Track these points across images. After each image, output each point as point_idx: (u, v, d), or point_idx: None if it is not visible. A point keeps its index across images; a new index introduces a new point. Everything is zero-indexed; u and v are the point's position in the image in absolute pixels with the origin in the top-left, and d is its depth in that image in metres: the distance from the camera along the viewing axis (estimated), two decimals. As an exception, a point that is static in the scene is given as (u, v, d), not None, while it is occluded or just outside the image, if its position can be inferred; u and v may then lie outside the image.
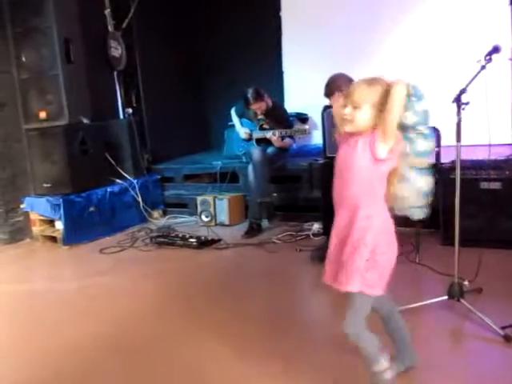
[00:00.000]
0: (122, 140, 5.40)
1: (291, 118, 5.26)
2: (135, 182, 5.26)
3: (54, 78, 4.59)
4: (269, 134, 4.87)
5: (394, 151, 1.82)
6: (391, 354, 2.03)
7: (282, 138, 4.86)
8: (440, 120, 3.77)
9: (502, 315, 2.58)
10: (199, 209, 5.06)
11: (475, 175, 3.62)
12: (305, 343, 2.56)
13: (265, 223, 4.81)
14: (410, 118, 2.28)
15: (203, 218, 5.03)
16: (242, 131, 5.13)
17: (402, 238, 4.03)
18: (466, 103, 2.49)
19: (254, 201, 4.67)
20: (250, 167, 4.66)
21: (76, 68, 4.74)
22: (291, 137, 4.91)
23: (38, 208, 4.75)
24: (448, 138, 3.37)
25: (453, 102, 2.51)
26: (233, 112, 5.23)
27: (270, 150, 4.87)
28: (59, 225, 4.63)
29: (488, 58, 2.56)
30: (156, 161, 5.88)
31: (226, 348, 2.54)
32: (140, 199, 5.23)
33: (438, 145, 3.82)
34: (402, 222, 4.16)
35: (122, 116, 5.76)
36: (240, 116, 5.17)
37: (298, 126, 5.23)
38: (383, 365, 1.91)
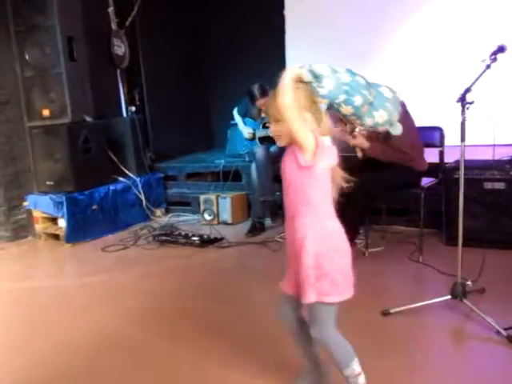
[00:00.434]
0: (125, 138, 5.39)
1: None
2: (138, 180, 5.26)
3: (57, 76, 4.59)
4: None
5: (320, 151, 1.76)
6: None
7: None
8: (444, 119, 3.78)
9: (505, 315, 2.58)
10: (202, 207, 5.06)
11: (479, 175, 3.61)
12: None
13: (268, 222, 4.80)
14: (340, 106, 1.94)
15: (206, 216, 5.03)
16: (245, 131, 5.13)
17: (405, 238, 4.06)
18: (471, 103, 2.47)
19: (256, 199, 4.67)
20: (253, 166, 4.66)
21: (79, 66, 4.74)
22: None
23: (40, 206, 4.76)
24: (452, 138, 3.38)
25: (457, 101, 2.49)
26: (235, 112, 5.23)
27: (273, 148, 4.86)
28: (62, 222, 4.63)
29: (493, 57, 2.55)
30: (159, 159, 5.87)
31: (229, 347, 2.54)
32: (143, 197, 5.24)
33: (442, 144, 3.82)
34: (405, 222, 4.20)
35: (125, 114, 5.75)
36: (243, 115, 5.16)
37: None
38: (355, 370, 1.91)
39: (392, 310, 2.73)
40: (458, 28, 4.95)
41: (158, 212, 5.45)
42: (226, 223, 4.95)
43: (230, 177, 5.18)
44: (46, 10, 4.49)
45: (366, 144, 3.55)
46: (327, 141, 1.83)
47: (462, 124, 2.52)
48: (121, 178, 5.20)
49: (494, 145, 2.79)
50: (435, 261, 3.44)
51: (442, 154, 3.81)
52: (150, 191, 5.39)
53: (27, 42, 4.61)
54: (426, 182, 3.65)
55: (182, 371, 2.39)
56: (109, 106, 5.51)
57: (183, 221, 5.26)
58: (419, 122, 3.67)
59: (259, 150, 4.71)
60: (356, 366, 1.91)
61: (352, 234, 3.68)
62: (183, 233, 4.60)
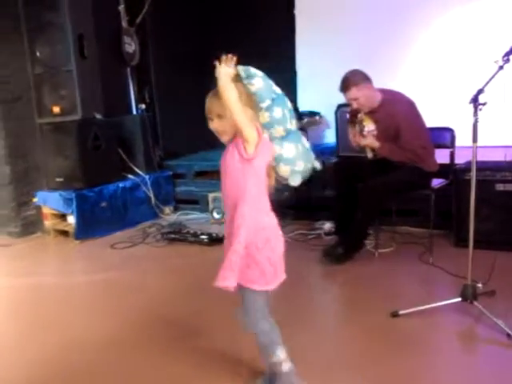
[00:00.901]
0: (135, 136, 5.40)
1: (303, 117, 5.24)
2: (147, 177, 5.27)
3: (67, 74, 4.60)
4: None
5: (261, 145, 1.86)
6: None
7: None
8: (455, 120, 3.75)
9: (516, 318, 2.56)
10: (211, 206, 5.05)
11: (491, 176, 3.58)
12: (314, 344, 2.55)
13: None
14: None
15: (215, 215, 5.02)
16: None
17: (414, 239, 4.03)
18: (484, 104, 2.45)
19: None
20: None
21: (90, 63, 4.75)
22: (303, 129, 4.87)
23: (50, 202, 4.78)
24: (463, 139, 3.35)
25: (470, 102, 2.48)
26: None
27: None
28: (71, 219, 4.65)
29: (506, 58, 2.52)
30: (168, 157, 5.88)
31: (235, 345, 2.52)
32: (152, 195, 5.25)
33: (453, 145, 3.80)
34: (415, 223, 4.17)
35: (134, 112, 5.76)
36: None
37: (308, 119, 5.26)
38: (279, 357, 1.94)
39: (401, 312, 2.71)
40: (470, 29, 4.90)
41: (167, 210, 5.45)
42: (234, 222, 4.93)
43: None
44: (57, 7, 4.50)
45: (376, 144, 3.53)
46: (266, 137, 1.94)
47: (475, 125, 2.50)
48: (130, 176, 5.21)
49: (507, 146, 2.77)
50: (445, 262, 3.42)
51: (452, 154, 3.78)
52: (159, 189, 5.40)
53: (38, 40, 4.63)
54: (436, 183, 3.62)
55: (186, 370, 2.38)
56: (119, 104, 5.52)
57: (192, 219, 5.25)
58: (430, 122, 3.65)
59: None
60: (280, 353, 1.95)
61: (360, 236, 3.68)
62: (192, 231, 4.60)
